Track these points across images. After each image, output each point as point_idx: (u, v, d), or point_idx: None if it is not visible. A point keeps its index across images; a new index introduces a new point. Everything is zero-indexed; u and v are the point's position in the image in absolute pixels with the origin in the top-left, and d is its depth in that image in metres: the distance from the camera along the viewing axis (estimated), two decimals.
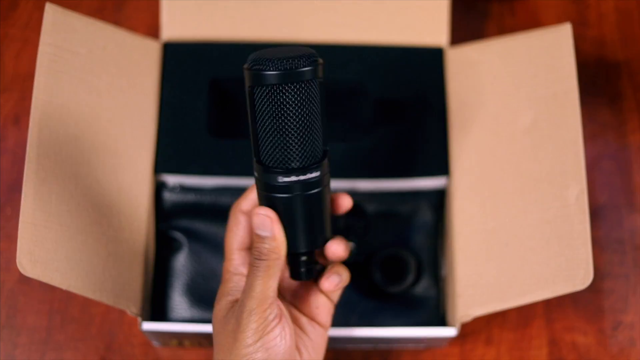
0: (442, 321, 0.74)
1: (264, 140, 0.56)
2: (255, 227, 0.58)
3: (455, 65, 0.76)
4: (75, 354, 0.76)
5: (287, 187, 0.56)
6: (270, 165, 0.56)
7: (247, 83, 0.55)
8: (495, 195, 0.71)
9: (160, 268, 0.74)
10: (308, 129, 0.55)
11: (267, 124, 0.55)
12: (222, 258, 0.74)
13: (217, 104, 0.77)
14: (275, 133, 0.55)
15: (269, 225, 0.58)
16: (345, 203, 0.63)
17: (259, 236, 0.58)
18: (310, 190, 0.57)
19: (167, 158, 0.73)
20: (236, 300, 0.60)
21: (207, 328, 0.69)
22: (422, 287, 0.75)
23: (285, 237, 0.58)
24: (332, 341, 0.70)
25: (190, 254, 0.74)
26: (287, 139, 0.55)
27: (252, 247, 0.59)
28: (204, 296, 0.73)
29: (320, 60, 0.55)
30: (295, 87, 0.54)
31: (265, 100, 0.55)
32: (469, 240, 0.71)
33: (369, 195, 0.75)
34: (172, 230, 0.75)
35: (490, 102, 0.73)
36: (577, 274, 0.64)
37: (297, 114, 0.54)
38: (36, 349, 0.76)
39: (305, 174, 0.56)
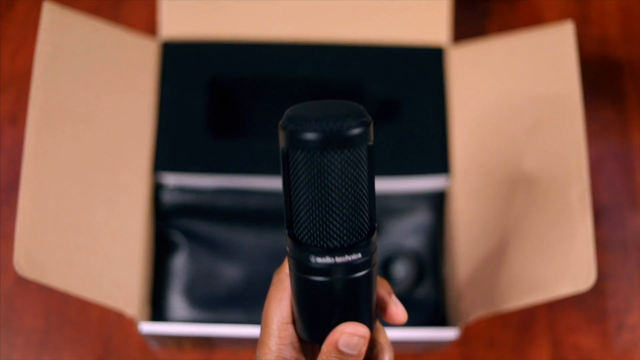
0: (443, 323, 0.74)
1: (299, 212, 0.46)
2: (344, 345, 0.48)
3: (457, 64, 0.76)
4: (73, 355, 0.76)
5: (327, 269, 0.46)
6: (305, 242, 0.46)
7: (281, 143, 0.45)
8: (497, 195, 0.71)
9: (159, 269, 0.74)
10: (353, 203, 0.46)
11: (303, 194, 0.45)
12: (222, 259, 0.74)
13: (216, 102, 0.77)
14: (313, 205, 0.45)
15: (362, 346, 0.48)
16: (400, 317, 0.52)
17: (342, 353, 0.48)
18: (355, 274, 0.47)
19: (166, 156, 0.73)
20: None
21: (204, 330, 0.68)
22: (423, 289, 0.75)
23: (329, 328, 0.49)
24: None
25: (190, 254, 0.74)
26: (328, 214, 0.45)
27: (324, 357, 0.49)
28: (203, 297, 0.73)
29: (370, 120, 0.45)
30: (339, 153, 0.44)
31: (302, 166, 0.45)
32: (470, 241, 0.71)
33: None
34: (172, 232, 0.75)
35: (493, 102, 0.73)
36: (580, 275, 0.64)
37: (340, 185, 0.45)
38: (33, 351, 0.76)
39: (349, 255, 0.46)
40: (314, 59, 0.77)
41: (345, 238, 0.46)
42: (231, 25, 0.77)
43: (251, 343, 0.73)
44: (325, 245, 0.46)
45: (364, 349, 0.48)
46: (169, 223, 0.75)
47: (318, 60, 0.77)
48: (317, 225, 0.46)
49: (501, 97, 0.73)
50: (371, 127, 0.45)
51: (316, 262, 0.46)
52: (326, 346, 0.48)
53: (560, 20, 0.87)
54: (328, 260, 0.46)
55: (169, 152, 0.73)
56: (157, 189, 0.74)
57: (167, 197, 0.74)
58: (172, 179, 0.74)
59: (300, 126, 0.44)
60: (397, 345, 0.75)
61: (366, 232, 0.47)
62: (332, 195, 0.45)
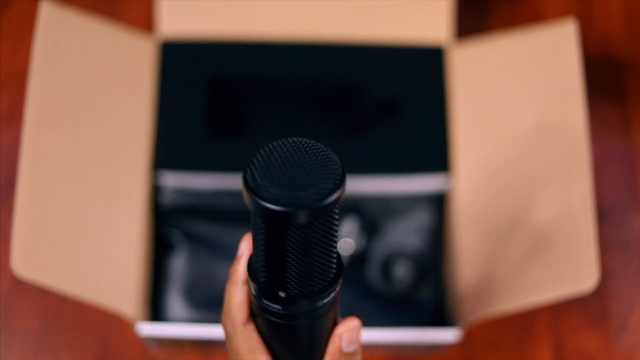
0: (443, 323, 0.74)
1: (284, 270, 0.44)
2: (347, 344, 0.48)
3: (459, 63, 0.76)
4: (70, 356, 0.76)
5: (330, 303, 0.46)
6: (312, 291, 0.45)
7: (245, 198, 0.41)
8: (499, 195, 0.70)
9: (158, 270, 0.74)
10: (328, 255, 0.44)
11: (291, 256, 0.43)
12: (220, 260, 0.74)
13: (215, 102, 0.77)
14: (298, 264, 0.43)
15: (359, 337, 0.49)
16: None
17: (345, 355, 0.49)
18: (323, 313, 0.46)
19: (165, 154, 0.73)
20: None
21: (202, 331, 0.68)
22: (423, 289, 0.75)
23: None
24: None
25: (188, 256, 0.74)
26: (311, 269, 0.44)
27: None
28: (201, 298, 0.73)
29: (343, 183, 0.41)
30: (325, 219, 0.41)
31: (264, 230, 0.42)
32: (471, 241, 0.71)
33: (369, 196, 0.75)
34: (170, 232, 0.75)
35: (495, 101, 0.73)
36: (582, 276, 0.64)
37: (322, 243, 0.43)
38: (31, 352, 0.76)
39: (317, 299, 0.45)
40: (313, 58, 0.77)
41: (318, 285, 0.45)
42: (230, 23, 0.77)
43: None
44: (323, 286, 0.45)
45: (359, 339, 0.49)
46: (168, 224, 0.74)
47: (318, 60, 0.77)
48: (313, 274, 0.44)
49: (503, 96, 0.73)
50: (343, 191, 0.40)
51: (322, 304, 0.45)
52: (329, 357, 0.48)
53: (562, 18, 0.86)
54: (331, 296, 0.45)
55: (168, 151, 0.73)
56: (156, 190, 0.74)
57: (166, 198, 0.74)
58: (171, 179, 0.74)
59: (261, 190, 0.39)
60: (397, 347, 0.74)
61: (333, 274, 0.45)
62: (315, 254, 0.43)
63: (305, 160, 0.40)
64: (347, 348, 0.49)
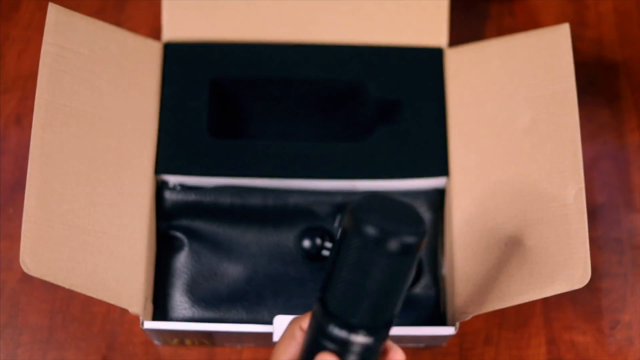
0: (441, 320, 0.74)
1: (335, 284, 0.50)
2: None
3: (454, 66, 0.76)
4: (77, 353, 0.76)
5: (340, 342, 0.51)
6: (331, 311, 0.51)
7: (344, 223, 0.49)
8: (494, 194, 0.70)
9: (161, 267, 0.74)
10: (383, 297, 0.50)
11: (345, 272, 0.50)
12: (223, 257, 0.74)
13: (217, 104, 0.77)
14: (350, 285, 0.50)
15: None
16: None
17: None
18: (362, 354, 0.51)
19: (167, 159, 0.73)
20: None
21: (207, 327, 0.69)
22: (421, 286, 0.75)
23: None
24: None
25: (191, 253, 0.74)
26: (359, 296, 0.50)
27: None
28: (204, 295, 0.73)
29: (425, 235, 0.49)
30: (388, 256, 0.48)
31: (354, 250, 0.49)
32: (468, 240, 0.71)
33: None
34: (173, 230, 0.75)
35: (489, 102, 0.73)
36: (575, 273, 0.64)
37: (378, 279, 0.49)
38: (38, 348, 0.76)
39: (363, 336, 0.50)
40: (314, 59, 0.77)
41: (364, 321, 0.50)
42: (233, 28, 0.77)
43: (252, 340, 0.73)
44: (346, 320, 0.50)
45: None
46: (171, 222, 0.74)
47: (318, 61, 0.77)
48: (346, 301, 0.50)
49: (498, 97, 0.73)
50: (424, 242, 0.49)
51: (332, 332, 0.50)
52: None
53: (556, 22, 0.87)
54: (343, 334, 0.50)
55: (171, 155, 0.73)
56: (160, 189, 0.74)
57: (169, 196, 0.74)
58: (173, 179, 0.74)
59: (366, 217, 0.47)
60: (395, 341, 0.75)
61: (384, 322, 0.51)
62: (369, 285, 0.49)
63: (401, 207, 0.50)
64: None
